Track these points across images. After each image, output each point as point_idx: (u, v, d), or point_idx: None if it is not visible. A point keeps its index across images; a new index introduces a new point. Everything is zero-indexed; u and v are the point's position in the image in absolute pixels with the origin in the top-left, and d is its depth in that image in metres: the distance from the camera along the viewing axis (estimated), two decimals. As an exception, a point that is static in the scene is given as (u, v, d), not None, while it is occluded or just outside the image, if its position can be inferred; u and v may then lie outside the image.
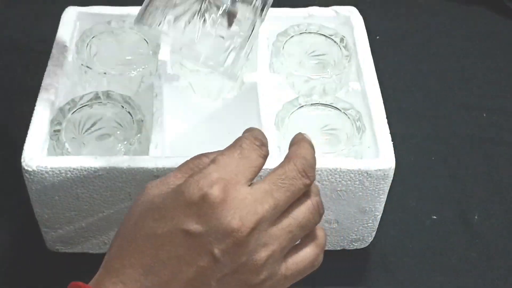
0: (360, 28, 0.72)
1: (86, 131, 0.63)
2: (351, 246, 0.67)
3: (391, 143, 0.61)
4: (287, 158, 0.45)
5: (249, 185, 0.43)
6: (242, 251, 0.41)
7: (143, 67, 0.67)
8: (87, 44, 0.68)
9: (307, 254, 0.45)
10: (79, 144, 0.61)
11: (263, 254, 0.42)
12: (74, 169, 0.58)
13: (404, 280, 0.66)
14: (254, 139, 0.44)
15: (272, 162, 0.59)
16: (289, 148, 0.46)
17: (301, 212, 0.44)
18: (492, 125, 0.80)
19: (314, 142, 0.59)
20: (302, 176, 0.44)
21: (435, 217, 0.71)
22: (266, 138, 0.46)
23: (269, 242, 0.43)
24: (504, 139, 0.78)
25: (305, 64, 0.70)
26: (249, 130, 0.45)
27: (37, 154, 0.59)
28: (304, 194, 0.45)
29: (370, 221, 0.64)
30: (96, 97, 0.63)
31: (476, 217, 0.71)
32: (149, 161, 0.59)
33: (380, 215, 0.64)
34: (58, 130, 0.61)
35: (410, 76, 0.85)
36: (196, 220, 0.41)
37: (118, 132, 0.63)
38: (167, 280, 0.41)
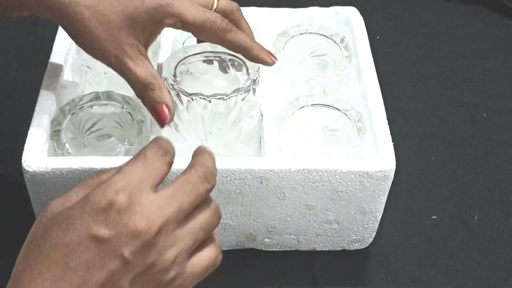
0: (360, 28, 0.72)
1: (86, 131, 0.63)
2: (351, 246, 0.67)
3: (391, 144, 0.61)
4: (189, 166, 0.48)
5: (154, 192, 0.45)
6: (151, 251, 0.43)
7: None
8: None
9: (209, 253, 0.48)
10: (79, 144, 0.61)
11: (170, 253, 0.45)
12: (74, 169, 0.58)
13: (404, 280, 0.66)
14: (158, 148, 0.46)
15: (273, 161, 0.59)
16: (192, 158, 0.49)
17: (203, 216, 0.47)
18: (492, 125, 0.80)
19: (314, 142, 0.59)
20: (204, 181, 0.47)
21: (435, 217, 0.71)
22: (171, 146, 0.48)
23: (176, 242, 0.45)
24: (504, 139, 0.78)
25: (306, 64, 0.70)
26: (154, 140, 0.47)
27: (37, 155, 0.59)
28: (205, 200, 0.48)
29: (371, 222, 0.64)
30: (97, 97, 0.63)
31: (476, 217, 0.71)
32: None
33: (381, 216, 0.64)
34: (59, 131, 0.61)
35: (410, 76, 0.86)
36: (104, 225, 0.42)
37: (119, 133, 0.63)
38: (78, 286, 0.42)
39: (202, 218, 0.47)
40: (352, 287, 0.65)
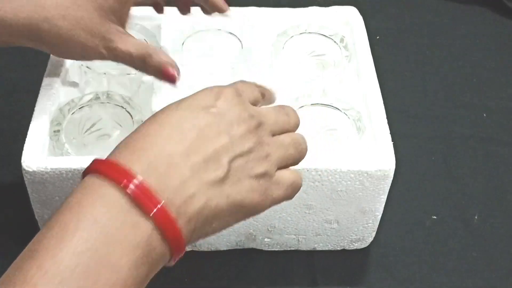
0: (360, 28, 0.72)
1: (86, 131, 0.63)
2: (351, 246, 0.67)
3: (391, 144, 0.61)
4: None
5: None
6: (253, 137, 0.46)
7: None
8: None
9: (292, 175, 0.49)
10: (79, 144, 0.61)
11: (266, 149, 0.47)
12: (74, 169, 0.58)
13: (404, 280, 0.66)
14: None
15: None
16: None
17: (296, 136, 0.50)
18: (492, 125, 0.80)
19: (314, 142, 0.59)
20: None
21: (435, 217, 0.71)
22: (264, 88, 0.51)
23: (271, 143, 0.47)
24: (504, 139, 0.78)
25: (305, 64, 0.70)
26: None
27: (37, 155, 0.59)
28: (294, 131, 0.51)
29: (370, 221, 0.64)
30: (96, 97, 0.63)
31: (476, 217, 0.71)
32: None
33: (380, 215, 0.64)
34: (58, 131, 0.61)
35: (410, 76, 0.85)
36: (219, 104, 0.46)
37: (118, 132, 0.63)
38: (188, 150, 0.43)
39: (295, 137, 0.49)
40: (352, 287, 0.65)
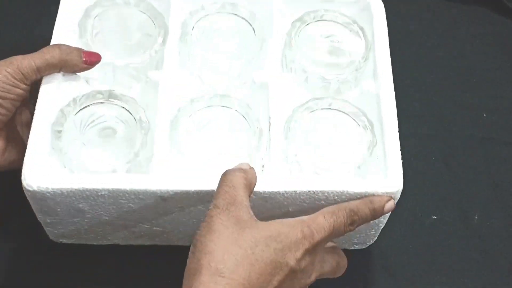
0: (380, 17, 0.69)
1: (87, 125, 0.62)
2: (353, 247, 0.67)
3: (401, 164, 0.60)
4: (362, 202, 0.58)
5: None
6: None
7: (149, 54, 0.66)
8: (91, 24, 0.67)
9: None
10: (79, 144, 0.61)
11: (311, 276, 0.56)
12: (76, 189, 0.57)
13: (405, 280, 0.66)
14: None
15: (278, 183, 0.58)
16: (365, 198, 0.59)
17: (338, 257, 0.59)
18: (492, 125, 0.80)
19: (321, 152, 0.61)
20: (350, 224, 0.57)
21: (435, 217, 0.71)
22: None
23: (316, 263, 0.56)
24: (504, 139, 0.78)
25: (320, 55, 0.67)
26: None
27: (37, 173, 0.58)
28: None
29: (373, 230, 0.64)
30: (97, 96, 0.62)
31: (476, 217, 0.71)
32: (153, 182, 0.58)
33: (383, 225, 0.64)
34: (60, 131, 0.61)
35: (410, 76, 0.85)
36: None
37: (123, 127, 0.62)
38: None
39: (338, 258, 0.59)
40: (352, 287, 0.65)
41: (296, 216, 0.56)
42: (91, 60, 0.64)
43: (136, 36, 0.68)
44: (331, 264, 0.58)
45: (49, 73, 0.63)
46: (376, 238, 0.66)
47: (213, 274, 0.49)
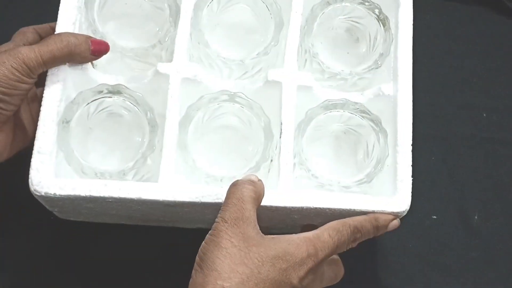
0: (407, 5, 0.65)
1: (97, 113, 0.61)
2: None
3: (410, 183, 0.60)
4: (365, 219, 0.58)
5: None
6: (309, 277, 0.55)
7: (160, 41, 0.64)
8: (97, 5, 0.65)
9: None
10: (87, 131, 0.60)
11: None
12: (84, 196, 0.57)
13: (404, 280, 0.66)
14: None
15: (286, 198, 0.58)
16: (368, 215, 0.59)
17: (338, 269, 0.60)
18: (492, 125, 0.80)
19: (332, 158, 0.63)
20: (354, 241, 0.58)
21: (435, 217, 0.71)
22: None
23: (317, 275, 0.57)
24: (504, 139, 0.78)
25: (338, 40, 0.65)
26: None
27: (44, 178, 0.57)
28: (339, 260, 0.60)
29: None
30: (103, 91, 0.61)
31: (476, 217, 0.71)
32: (160, 192, 0.58)
33: None
34: (67, 121, 0.60)
35: (410, 76, 0.85)
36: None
37: (129, 115, 0.61)
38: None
39: (336, 269, 0.59)
40: (352, 286, 0.65)
41: (301, 221, 0.57)
42: (99, 49, 0.62)
43: (145, 7, 0.66)
44: (329, 276, 0.58)
45: (56, 66, 0.61)
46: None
47: None
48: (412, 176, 0.73)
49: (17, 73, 0.57)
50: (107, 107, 0.62)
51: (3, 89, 0.57)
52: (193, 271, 0.51)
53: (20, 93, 0.59)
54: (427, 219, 0.71)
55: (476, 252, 0.68)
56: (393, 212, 0.59)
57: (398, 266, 0.67)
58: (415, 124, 0.79)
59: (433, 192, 0.73)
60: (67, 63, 0.61)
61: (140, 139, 0.61)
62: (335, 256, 0.60)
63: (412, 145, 0.76)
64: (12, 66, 0.57)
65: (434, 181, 0.74)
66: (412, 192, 0.72)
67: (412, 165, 0.74)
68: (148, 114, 0.61)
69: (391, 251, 0.68)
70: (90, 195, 0.57)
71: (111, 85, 0.61)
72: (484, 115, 0.81)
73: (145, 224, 0.68)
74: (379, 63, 0.64)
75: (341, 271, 0.60)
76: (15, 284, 0.66)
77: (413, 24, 0.88)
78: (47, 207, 0.62)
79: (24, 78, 0.58)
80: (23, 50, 0.58)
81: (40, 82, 0.61)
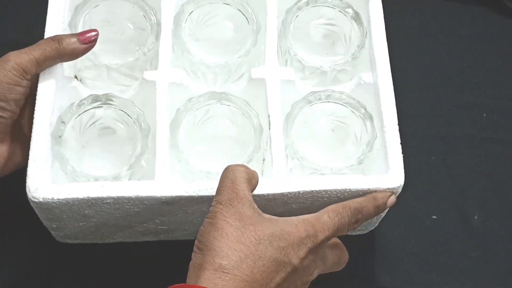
0: (376, 2, 0.68)
1: (87, 127, 0.62)
2: (352, 233, 0.66)
3: (401, 158, 0.61)
4: (366, 199, 0.59)
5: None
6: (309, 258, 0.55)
7: (143, 53, 0.65)
8: (81, 22, 0.66)
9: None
10: (80, 147, 0.61)
11: (313, 271, 0.57)
12: (81, 199, 0.57)
13: (404, 280, 0.66)
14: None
15: (281, 184, 0.58)
16: (370, 194, 0.59)
17: (342, 252, 0.60)
18: (492, 125, 0.80)
19: (322, 147, 0.62)
20: (355, 222, 0.57)
21: (435, 217, 0.71)
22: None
23: (318, 259, 0.57)
24: (504, 139, 0.78)
25: (315, 43, 0.67)
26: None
27: (41, 184, 0.58)
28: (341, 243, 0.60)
29: (375, 218, 0.64)
30: (95, 100, 0.62)
31: (476, 217, 0.71)
32: (157, 189, 0.58)
33: (385, 214, 0.64)
34: (60, 136, 0.60)
35: (409, 76, 0.85)
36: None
37: (122, 127, 0.62)
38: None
39: (340, 253, 0.59)
40: (352, 286, 0.65)
41: (299, 212, 0.57)
42: (89, 38, 0.62)
43: (128, 33, 0.67)
44: (333, 260, 0.58)
45: (49, 66, 0.61)
46: (377, 224, 0.66)
47: (217, 270, 0.49)
48: (412, 176, 0.74)
49: (12, 76, 0.59)
50: (98, 120, 0.63)
51: None
52: (193, 254, 0.52)
53: (16, 97, 0.60)
54: (427, 219, 0.71)
55: (476, 252, 0.68)
56: (389, 188, 0.59)
57: (398, 266, 0.67)
58: (415, 124, 0.80)
59: (433, 192, 0.73)
60: (62, 61, 0.62)
61: (133, 142, 0.62)
62: (338, 241, 0.60)
63: (412, 145, 0.77)
64: (6, 69, 0.58)
65: (434, 181, 0.74)
66: (412, 192, 0.73)
67: (412, 165, 0.75)
68: (138, 117, 0.62)
69: (391, 251, 0.68)
70: (88, 197, 0.57)
71: (100, 94, 0.62)
72: (484, 115, 0.81)
73: (143, 239, 0.67)
74: (356, 54, 0.66)
75: (345, 255, 0.60)
76: (15, 284, 0.66)
77: (413, 24, 0.88)
78: (45, 223, 0.62)
79: (19, 80, 0.59)
80: (13, 53, 0.60)
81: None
